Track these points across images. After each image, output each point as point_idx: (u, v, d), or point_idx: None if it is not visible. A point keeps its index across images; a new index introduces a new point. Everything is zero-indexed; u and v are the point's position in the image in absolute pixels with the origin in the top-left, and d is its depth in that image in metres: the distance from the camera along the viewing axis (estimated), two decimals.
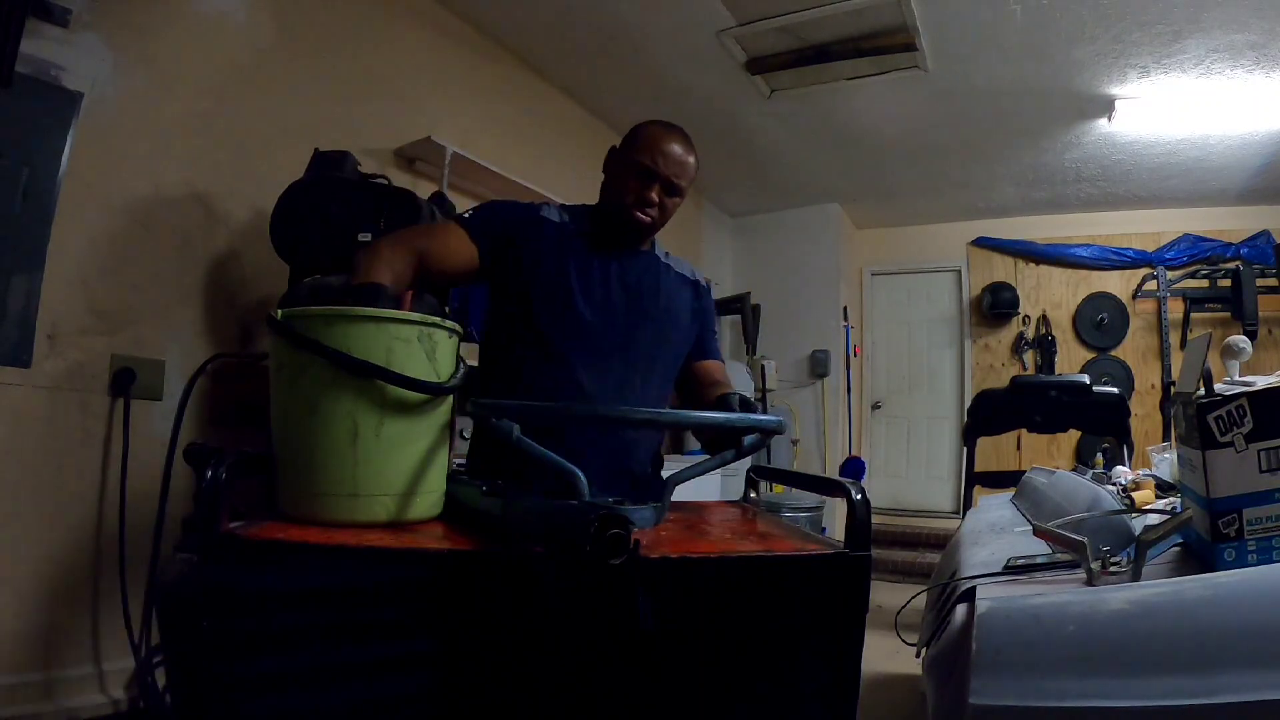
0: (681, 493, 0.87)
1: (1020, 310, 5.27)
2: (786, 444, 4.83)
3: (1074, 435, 4.83)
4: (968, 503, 3.15)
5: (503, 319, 1.29)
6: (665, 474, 0.94)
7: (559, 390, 1.20)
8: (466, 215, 1.28)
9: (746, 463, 1.17)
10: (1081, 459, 4.69)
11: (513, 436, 0.74)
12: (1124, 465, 2.40)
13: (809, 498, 3.59)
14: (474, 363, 1.06)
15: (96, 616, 1.84)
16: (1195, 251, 4.82)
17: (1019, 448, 4.96)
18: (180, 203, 2.05)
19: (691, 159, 1.29)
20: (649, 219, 1.28)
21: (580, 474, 0.72)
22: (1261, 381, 1.01)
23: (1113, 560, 0.98)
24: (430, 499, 0.82)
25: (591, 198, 1.38)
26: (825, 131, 4.06)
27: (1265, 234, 4.60)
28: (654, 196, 1.26)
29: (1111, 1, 2.73)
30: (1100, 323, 5.06)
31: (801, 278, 5.17)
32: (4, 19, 1.59)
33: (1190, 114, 3.53)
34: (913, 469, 5.64)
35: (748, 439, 0.92)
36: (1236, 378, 1.24)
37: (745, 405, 1.12)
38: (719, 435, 0.95)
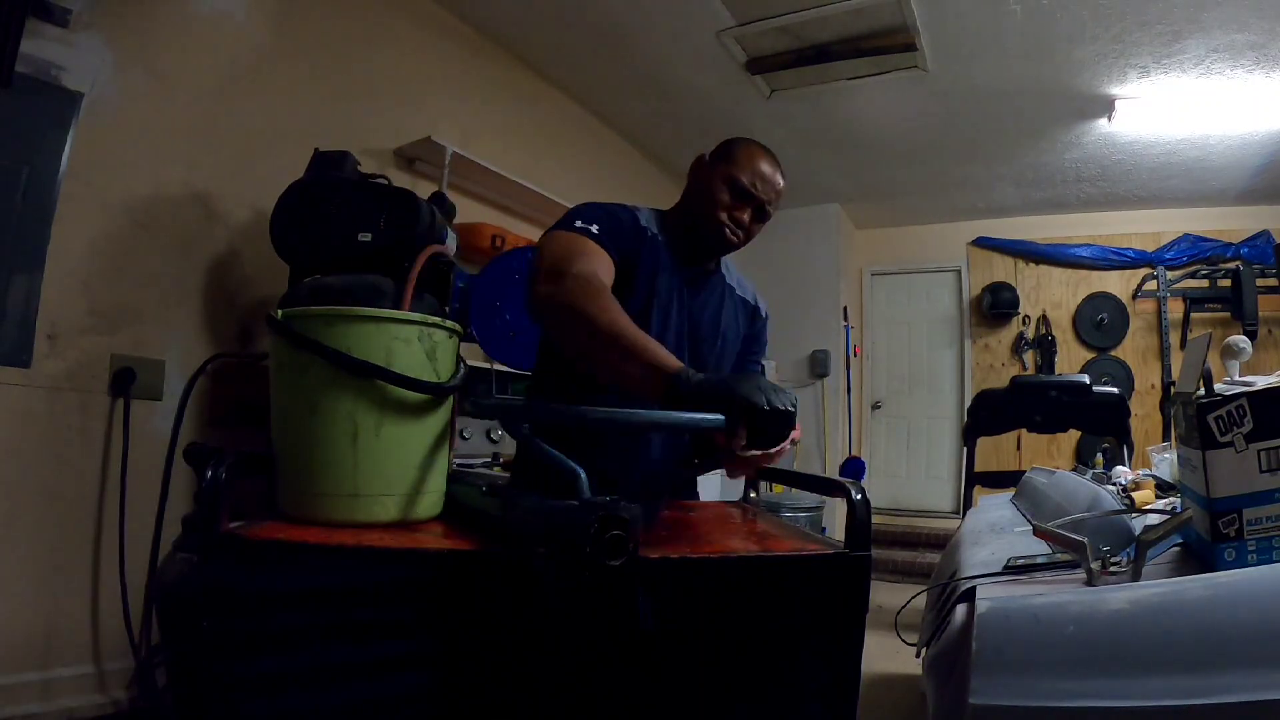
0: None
1: (1020, 310, 5.27)
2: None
3: (1074, 435, 4.83)
4: (968, 503, 3.15)
5: None
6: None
7: (614, 398, 1.19)
8: (594, 229, 1.13)
9: None
10: (1081, 459, 4.69)
11: (519, 436, 0.75)
12: (1124, 465, 2.40)
13: (809, 498, 3.59)
14: (474, 363, 1.04)
15: (96, 616, 1.84)
16: (1195, 251, 4.82)
17: (1019, 448, 4.96)
18: (180, 203, 2.05)
19: (783, 184, 1.26)
20: (736, 239, 1.25)
21: (581, 473, 0.72)
22: (1261, 381, 1.01)
23: (1113, 560, 0.98)
24: (430, 499, 0.82)
25: (589, 196, 1.36)
26: (825, 131, 4.06)
27: (1265, 234, 4.60)
28: (746, 218, 1.23)
29: (1111, 1, 2.73)
30: (1100, 323, 5.06)
31: (801, 278, 5.17)
32: (4, 19, 1.59)
33: (1190, 114, 3.53)
34: (913, 469, 5.64)
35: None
36: (1236, 378, 1.24)
37: None
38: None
